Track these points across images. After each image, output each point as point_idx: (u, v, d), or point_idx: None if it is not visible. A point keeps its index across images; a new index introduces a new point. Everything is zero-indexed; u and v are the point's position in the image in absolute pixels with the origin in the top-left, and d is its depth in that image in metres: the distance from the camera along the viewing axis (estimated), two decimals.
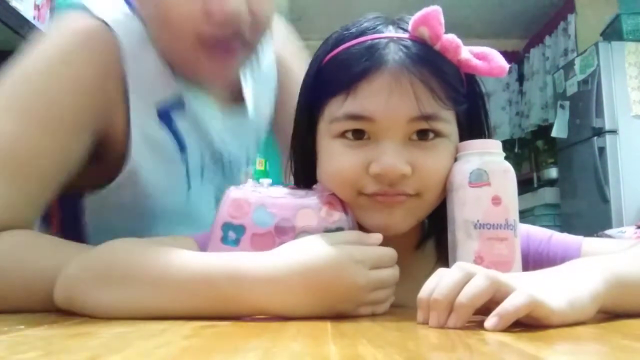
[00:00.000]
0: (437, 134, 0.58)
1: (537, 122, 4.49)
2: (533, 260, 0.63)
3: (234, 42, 0.70)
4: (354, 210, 0.60)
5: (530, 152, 4.80)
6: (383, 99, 0.56)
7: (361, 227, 0.60)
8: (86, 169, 0.72)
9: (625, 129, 3.23)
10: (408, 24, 0.59)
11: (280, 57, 0.96)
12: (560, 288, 0.45)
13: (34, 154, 0.66)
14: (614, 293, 0.48)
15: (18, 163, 0.65)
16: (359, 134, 0.58)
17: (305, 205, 0.59)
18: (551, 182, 4.04)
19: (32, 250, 0.63)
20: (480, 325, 0.43)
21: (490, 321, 0.41)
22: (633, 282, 0.50)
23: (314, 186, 0.62)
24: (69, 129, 0.68)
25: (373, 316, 0.53)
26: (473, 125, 0.63)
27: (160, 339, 0.40)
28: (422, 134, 0.58)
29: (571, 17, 4.11)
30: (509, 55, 4.45)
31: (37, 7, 1.38)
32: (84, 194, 0.78)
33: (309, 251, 0.52)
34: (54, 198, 0.71)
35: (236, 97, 0.87)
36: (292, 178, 0.69)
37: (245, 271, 0.51)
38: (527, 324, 0.42)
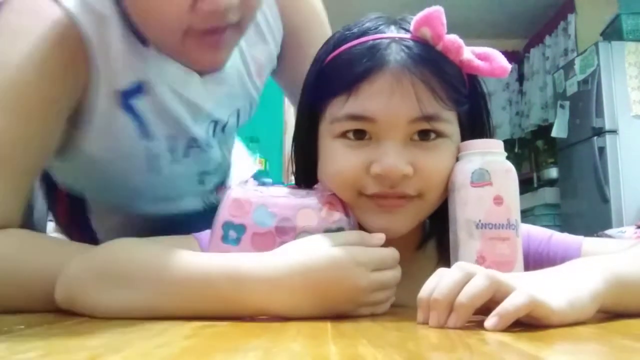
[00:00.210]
0: (439, 135, 0.58)
1: (537, 122, 4.49)
2: (533, 260, 0.63)
3: (224, 29, 0.68)
4: (354, 211, 0.60)
5: (530, 152, 4.80)
6: (384, 99, 0.56)
7: (362, 228, 0.60)
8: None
9: (625, 129, 3.23)
10: (410, 24, 0.59)
11: (285, 10, 0.90)
12: (560, 288, 0.45)
13: (16, 148, 0.66)
14: (614, 293, 0.48)
15: (1, 159, 0.65)
16: (360, 134, 0.58)
17: (306, 205, 0.59)
18: (551, 182, 4.04)
19: (32, 251, 0.63)
20: (480, 325, 0.43)
21: (490, 321, 0.41)
22: (633, 282, 0.50)
23: (315, 186, 0.62)
24: (43, 118, 0.68)
25: (373, 316, 0.53)
26: (475, 125, 0.63)
27: (160, 339, 0.40)
28: (424, 135, 0.58)
29: (571, 17, 4.11)
30: (509, 55, 4.43)
31: None
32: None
33: (310, 252, 0.52)
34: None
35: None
36: (292, 178, 0.69)
37: (245, 271, 0.51)
38: (527, 323, 0.42)
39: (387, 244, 0.56)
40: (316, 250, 0.52)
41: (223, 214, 0.58)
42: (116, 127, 0.75)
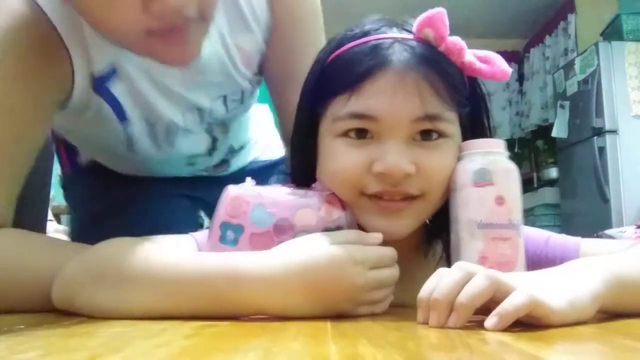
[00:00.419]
0: (441, 134, 0.58)
1: (537, 122, 4.50)
2: (531, 263, 0.62)
3: (184, 25, 0.65)
4: (354, 212, 0.60)
5: (530, 152, 4.80)
6: (387, 98, 0.56)
7: (361, 227, 0.60)
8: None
9: (625, 129, 3.24)
10: (412, 26, 0.59)
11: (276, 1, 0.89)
12: (560, 288, 0.45)
13: (4, 148, 0.66)
14: (614, 293, 0.48)
15: None
16: (362, 133, 0.58)
17: (305, 205, 0.58)
18: (551, 182, 4.04)
19: (28, 251, 0.63)
20: (480, 325, 0.43)
21: (490, 321, 0.41)
22: (633, 282, 0.50)
23: (313, 185, 0.62)
24: (31, 114, 0.69)
25: (373, 316, 0.53)
26: (475, 126, 0.63)
27: (160, 339, 0.40)
28: (426, 134, 0.58)
29: (571, 17, 4.11)
30: (509, 55, 4.47)
31: None
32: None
33: (308, 251, 0.52)
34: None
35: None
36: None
37: (242, 271, 0.51)
38: (527, 323, 0.42)
39: (387, 242, 0.56)
40: (314, 248, 0.52)
41: (220, 215, 0.58)
42: (93, 110, 0.77)
